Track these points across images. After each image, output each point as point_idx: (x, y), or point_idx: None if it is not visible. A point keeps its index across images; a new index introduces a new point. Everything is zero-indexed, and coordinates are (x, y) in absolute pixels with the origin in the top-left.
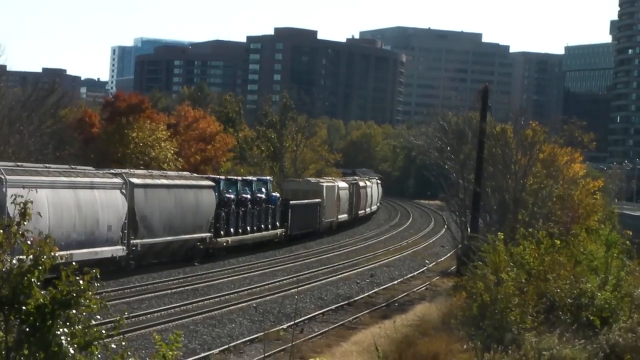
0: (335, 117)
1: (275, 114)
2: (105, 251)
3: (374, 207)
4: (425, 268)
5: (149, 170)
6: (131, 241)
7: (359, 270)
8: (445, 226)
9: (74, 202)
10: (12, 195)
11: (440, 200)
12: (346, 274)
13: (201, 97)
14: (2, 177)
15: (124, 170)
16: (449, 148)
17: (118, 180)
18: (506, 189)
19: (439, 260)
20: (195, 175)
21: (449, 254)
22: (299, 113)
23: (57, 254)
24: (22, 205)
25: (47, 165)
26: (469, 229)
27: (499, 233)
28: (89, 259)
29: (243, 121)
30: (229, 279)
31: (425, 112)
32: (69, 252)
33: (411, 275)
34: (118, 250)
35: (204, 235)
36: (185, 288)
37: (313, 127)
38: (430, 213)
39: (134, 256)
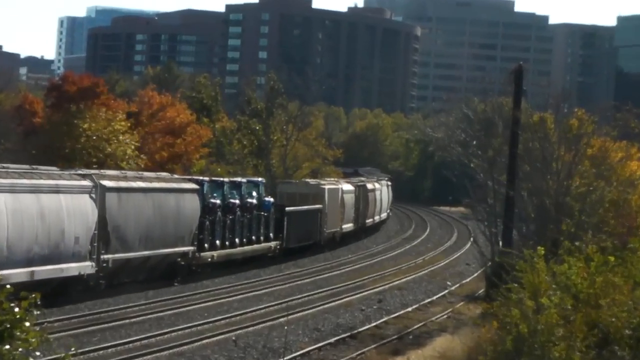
0: (334, 105)
1: (260, 101)
2: (72, 268)
3: (384, 215)
4: (446, 291)
5: (123, 171)
6: (101, 256)
7: (364, 293)
8: (471, 239)
9: (36, 209)
10: None
11: (465, 206)
12: (348, 298)
13: (169, 79)
14: None
15: (93, 171)
16: (474, 142)
17: (87, 182)
18: (546, 192)
19: (464, 281)
20: (176, 176)
21: (475, 274)
22: (289, 99)
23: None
24: None
25: (4, 165)
26: (500, 243)
27: (538, 247)
28: (53, 277)
29: (221, 109)
30: (202, 305)
31: (445, 98)
32: (30, 269)
33: (429, 300)
34: (86, 266)
35: (186, 249)
36: (148, 316)
37: (307, 117)
38: (452, 223)
39: (105, 274)
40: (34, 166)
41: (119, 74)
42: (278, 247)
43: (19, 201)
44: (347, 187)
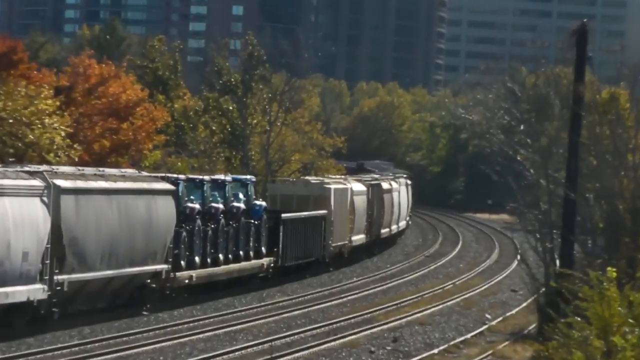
0: (333, 77)
1: (235, 72)
2: (19, 292)
3: (402, 224)
4: (484, 327)
5: (79, 168)
6: (55, 277)
7: (373, 330)
8: (518, 257)
9: None
10: None
11: (509, 213)
12: (353, 337)
13: (112, 42)
14: None
15: (43, 168)
16: (522, 127)
17: (37, 182)
18: (619, 194)
19: (508, 313)
20: (145, 174)
21: (524, 304)
22: (274, 70)
23: None
24: None
25: None
26: (557, 262)
27: (609, 268)
28: None
29: (181, 83)
30: (156, 345)
31: (482, 68)
32: None
33: (461, 339)
34: (37, 290)
35: (158, 267)
36: None
37: (297, 93)
38: (493, 235)
39: (59, 300)
40: None
41: (45, 35)
42: (272, 264)
43: None
44: (357, 186)
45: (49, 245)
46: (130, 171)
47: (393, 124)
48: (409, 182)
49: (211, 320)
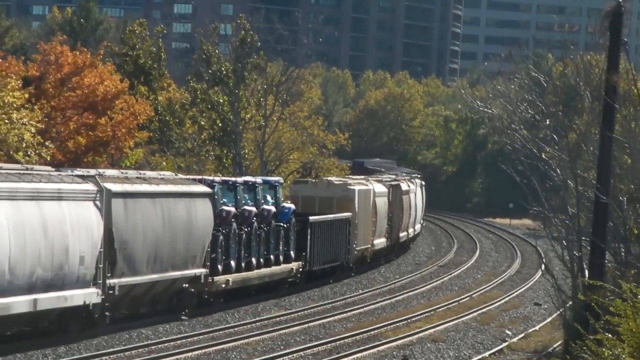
0: (337, 66)
1: (226, 60)
2: (77, 296)
3: (417, 227)
4: (504, 345)
5: (122, 171)
6: (107, 281)
7: (381, 349)
8: (542, 267)
9: (38, 221)
10: None
11: (533, 219)
12: (357, 355)
13: (87, 27)
14: None
15: (94, 171)
16: (548, 121)
17: (90, 186)
18: None
19: (531, 329)
20: (182, 177)
21: (548, 319)
22: (269, 58)
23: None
24: None
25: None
26: (586, 272)
27: None
28: (56, 307)
29: (166, 73)
30: None
31: (503, 55)
32: (30, 297)
33: (478, 358)
34: (92, 294)
35: (198, 271)
36: None
37: (296, 84)
38: (515, 242)
39: (111, 304)
40: (28, 165)
41: (10, 18)
42: (300, 269)
43: (21, 211)
44: (379, 188)
45: (102, 249)
46: (167, 173)
47: (403, 119)
48: (422, 182)
49: (200, 337)
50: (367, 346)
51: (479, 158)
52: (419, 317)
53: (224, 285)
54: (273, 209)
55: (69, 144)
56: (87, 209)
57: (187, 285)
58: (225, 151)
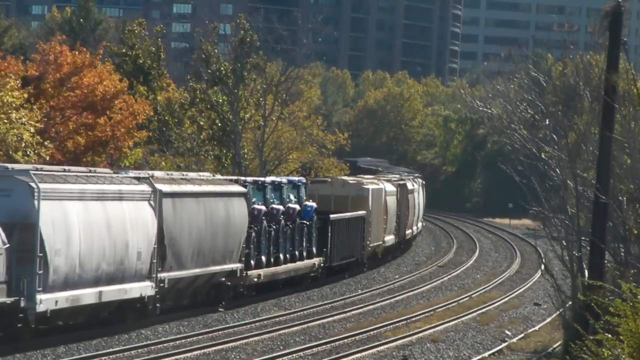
0: (336, 66)
1: (225, 60)
2: (134, 289)
3: (419, 226)
4: (504, 345)
5: (168, 173)
6: (158, 274)
7: (380, 348)
8: (542, 267)
9: (103, 220)
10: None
11: (532, 219)
12: (357, 355)
13: (86, 27)
14: (33, 185)
15: (147, 173)
16: (547, 121)
17: (145, 187)
18: None
19: (530, 330)
20: (219, 177)
21: (548, 319)
22: (268, 58)
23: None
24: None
25: (66, 167)
26: (586, 272)
27: None
28: (117, 298)
29: (165, 73)
30: None
31: (503, 55)
32: (97, 289)
33: (478, 358)
34: (146, 287)
35: (234, 266)
36: None
37: (295, 84)
38: (514, 242)
39: (160, 296)
40: (91, 168)
41: (9, 18)
42: (322, 264)
43: (88, 211)
44: (389, 187)
45: (155, 246)
46: (206, 174)
47: (402, 119)
48: (423, 182)
49: (199, 337)
50: (366, 346)
51: (479, 158)
52: (419, 317)
53: (256, 279)
54: (298, 207)
55: (68, 144)
56: (143, 208)
57: (224, 278)
58: (224, 151)
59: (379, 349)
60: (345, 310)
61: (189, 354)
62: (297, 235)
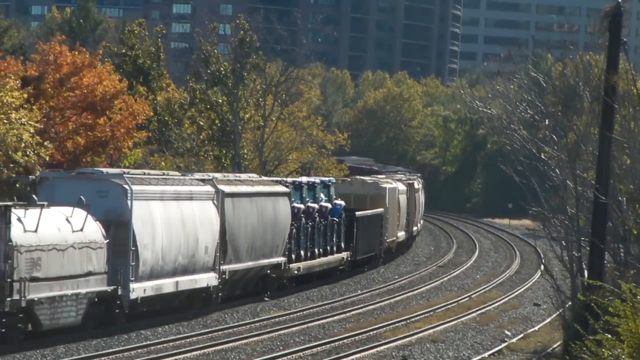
0: (336, 66)
1: (225, 60)
2: (202, 279)
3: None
4: (504, 345)
5: (225, 174)
6: (220, 267)
7: (380, 348)
8: (542, 267)
9: (179, 218)
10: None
11: (532, 219)
12: (357, 355)
13: (85, 27)
14: (127, 187)
15: (211, 175)
16: (547, 122)
17: (209, 188)
18: None
19: (530, 330)
20: (266, 178)
21: (548, 319)
22: (268, 58)
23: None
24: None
25: (145, 170)
26: (585, 273)
27: None
28: (189, 288)
29: (165, 73)
30: None
31: (502, 55)
32: (174, 279)
33: (478, 358)
34: (212, 278)
35: (279, 259)
36: None
37: (295, 84)
38: (514, 242)
39: (223, 286)
40: (165, 171)
41: (9, 18)
42: (349, 258)
43: (167, 209)
44: (401, 186)
45: (218, 241)
46: (253, 175)
47: (402, 119)
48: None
49: (199, 337)
50: (366, 347)
51: (478, 158)
52: (418, 317)
53: (296, 272)
54: (329, 205)
55: (68, 144)
56: (208, 207)
57: (269, 271)
58: (224, 151)
59: (378, 349)
60: (345, 310)
61: (188, 354)
62: (328, 231)
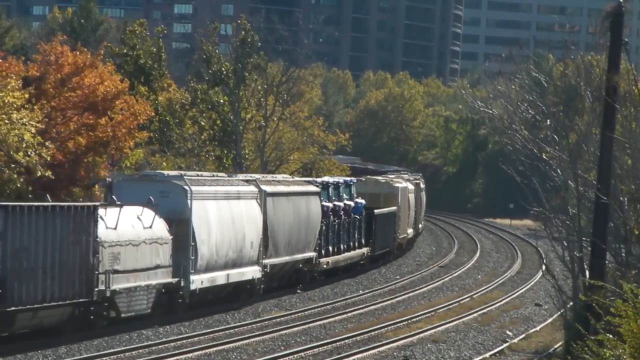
0: (337, 66)
1: (226, 60)
2: (248, 272)
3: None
4: (505, 345)
5: (264, 175)
6: (262, 260)
7: (381, 349)
8: (543, 267)
9: (229, 216)
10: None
11: (533, 219)
12: (358, 355)
13: (87, 27)
14: (187, 188)
15: (255, 176)
16: (548, 122)
17: (254, 188)
18: None
19: (531, 330)
20: (298, 179)
21: (549, 320)
22: (269, 58)
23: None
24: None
25: (198, 172)
26: (587, 273)
27: None
28: (237, 280)
29: (166, 73)
30: None
31: (504, 55)
32: (225, 272)
33: (480, 358)
34: (256, 271)
35: (311, 254)
36: None
37: (297, 84)
38: (515, 243)
39: (264, 279)
40: (214, 172)
41: (10, 19)
42: (368, 254)
43: (220, 208)
44: (410, 185)
45: (261, 237)
46: (287, 176)
47: (403, 119)
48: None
49: (201, 338)
50: (367, 347)
51: (480, 158)
52: (420, 317)
53: (325, 266)
54: (352, 203)
55: (69, 144)
56: (253, 206)
57: (301, 265)
58: (225, 151)
59: (380, 349)
60: (347, 310)
61: (190, 355)
62: (351, 228)
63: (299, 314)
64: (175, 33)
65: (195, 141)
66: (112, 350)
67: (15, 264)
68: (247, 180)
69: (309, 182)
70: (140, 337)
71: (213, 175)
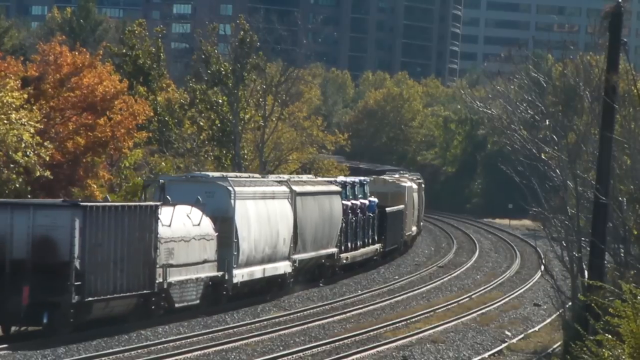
0: (336, 66)
1: (225, 60)
2: (280, 267)
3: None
4: (504, 345)
5: (292, 176)
6: (292, 256)
7: (380, 349)
8: (542, 267)
9: (265, 214)
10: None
11: (532, 219)
12: (357, 356)
13: (86, 27)
14: (230, 188)
15: (286, 177)
16: (547, 122)
17: (285, 188)
18: None
19: (530, 330)
20: (321, 179)
21: (548, 320)
22: (268, 58)
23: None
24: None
25: (237, 174)
26: (586, 273)
27: None
28: (272, 274)
29: (165, 73)
30: None
31: (503, 55)
32: (262, 266)
33: (478, 358)
34: (287, 266)
35: (333, 250)
36: None
37: (295, 85)
38: (514, 243)
39: (294, 273)
40: (250, 174)
41: (9, 19)
42: (381, 250)
43: (257, 207)
44: (414, 185)
45: (292, 234)
46: (311, 176)
47: (402, 119)
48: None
49: (200, 338)
50: (366, 347)
51: (479, 158)
52: (419, 317)
53: (344, 261)
54: (367, 202)
55: (68, 144)
56: (285, 205)
57: (324, 260)
58: (224, 151)
59: (378, 349)
60: (345, 310)
61: (189, 355)
62: (366, 225)
63: (298, 314)
64: (174, 33)
65: (194, 141)
66: (111, 350)
67: (92, 258)
68: (279, 181)
69: (330, 182)
70: (139, 337)
71: (249, 177)
